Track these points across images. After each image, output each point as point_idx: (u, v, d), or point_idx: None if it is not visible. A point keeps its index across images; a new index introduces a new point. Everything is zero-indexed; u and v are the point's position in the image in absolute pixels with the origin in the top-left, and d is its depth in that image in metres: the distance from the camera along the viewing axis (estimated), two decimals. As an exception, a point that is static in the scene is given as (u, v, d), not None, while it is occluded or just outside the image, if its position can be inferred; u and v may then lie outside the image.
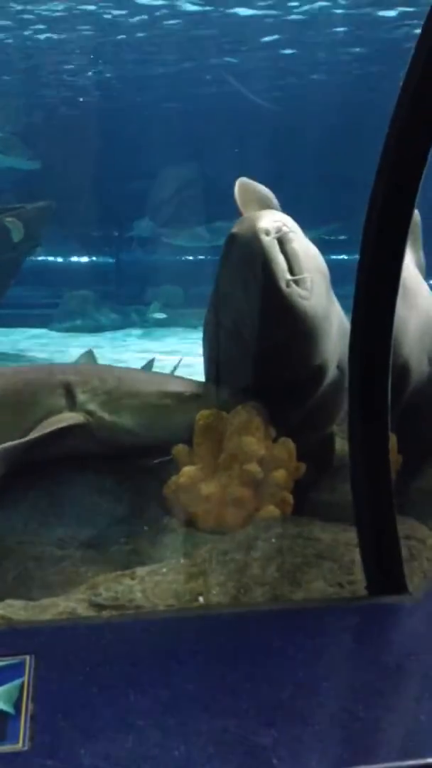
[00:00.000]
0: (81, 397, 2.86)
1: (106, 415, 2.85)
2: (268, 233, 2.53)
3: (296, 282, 2.57)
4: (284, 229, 2.57)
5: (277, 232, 2.55)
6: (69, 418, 2.81)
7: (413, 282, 3.03)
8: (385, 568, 2.10)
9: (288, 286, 2.54)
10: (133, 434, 2.87)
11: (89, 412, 2.85)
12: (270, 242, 2.52)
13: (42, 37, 15.55)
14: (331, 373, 2.91)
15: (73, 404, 2.85)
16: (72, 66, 16.77)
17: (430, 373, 3.12)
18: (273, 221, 2.58)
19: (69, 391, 2.87)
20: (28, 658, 1.72)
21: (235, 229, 2.66)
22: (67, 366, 3.26)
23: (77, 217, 15.25)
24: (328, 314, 2.77)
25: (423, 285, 3.19)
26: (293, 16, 15.05)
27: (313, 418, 3.02)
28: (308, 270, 2.62)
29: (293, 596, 2.23)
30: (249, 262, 2.57)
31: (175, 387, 2.95)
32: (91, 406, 2.85)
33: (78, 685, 1.65)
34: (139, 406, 2.86)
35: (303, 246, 2.66)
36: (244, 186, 3.03)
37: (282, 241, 2.56)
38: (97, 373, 2.99)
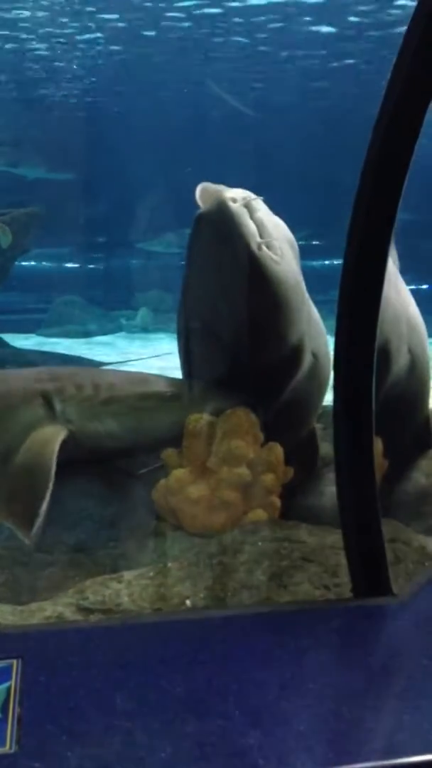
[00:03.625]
0: (60, 406, 2.80)
1: (88, 424, 2.81)
2: (235, 201, 2.60)
3: (267, 247, 2.62)
4: (250, 198, 2.65)
5: (243, 200, 2.62)
6: (53, 434, 2.72)
7: (391, 274, 3.07)
8: (370, 571, 2.12)
9: (259, 248, 2.60)
10: (116, 439, 2.86)
11: (70, 422, 2.79)
12: (238, 208, 2.59)
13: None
14: (307, 358, 2.93)
15: (52, 414, 2.79)
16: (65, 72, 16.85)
17: (409, 361, 3.16)
18: (238, 192, 2.66)
19: (47, 401, 2.80)
20: (15, 661, 1.72)
21: (201, 209, 2.72)
22: (42, 370, 3.05)
23: (66, 222, 15.24)
24: (299, 287, 2.82)
25: (399, 279, 3.24)
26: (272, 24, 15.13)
27: (289, 413, 3.04)
28: (277, 238, 2.68)
29: (279, 599, 2.25)
30: (219, 230, 2.61)
31: (154, 387, 2.92)
32: (72, 416, 2.80)
33: (65, 688, 1.65)
34: (120, 411, 2.83)
35: (269, 215, 2.73)
36: (205, 189, 3.09)
37: (249, 210, 2.63)
38: (73, 379, 2.89)
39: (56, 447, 2.67)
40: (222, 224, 2.59)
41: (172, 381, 3.01)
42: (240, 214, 2.58)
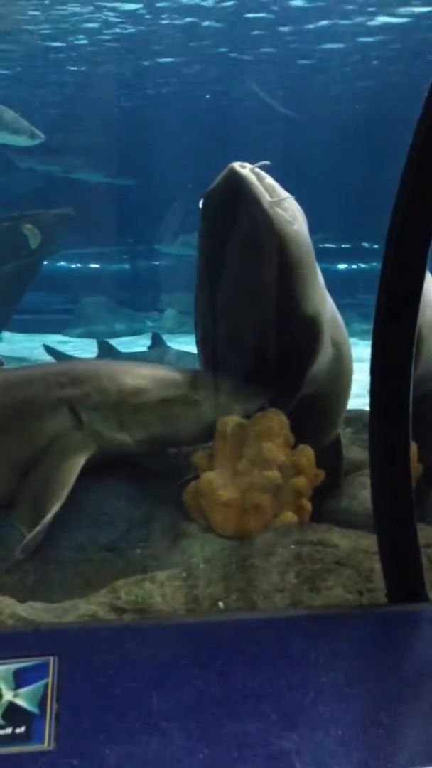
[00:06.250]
0: (86, 416, 2.76)
1: (114, 434, 2.78)
2: (243, 167, 2.64)
3: (278, 206, 2.65)
4: (257, 168, 2.68)
5: (251, 169, 2.65)
6: (79, 451, 2.71)
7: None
8: (404, 576, 2.10)
9: (271, 207, 2.63)
10: (143, 444, 2.86)
11: (96, 433, 2.77)
12: (247, 173, 2.63)
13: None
14: (326, 341, 2.91)
15: (79, 425, 2.76)
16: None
17: None
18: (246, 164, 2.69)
19: (72, 409, 2.76)
20: (51, 659, 1.73)
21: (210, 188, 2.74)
22: (60, 371, 2.94)
23: (94, 224, 15.36)
24: (312, 256, 2.83)
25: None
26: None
27: (314, 411, 3.03)
28: (288, 204, 2.72)
29: (312, 603, 2.24)
30: (229, 195, 2.62)
31: (182, 387, 2.86)
32: (98, 427, 2.76)
33: (101, 686, 1.66)
34: (147, 418, 2.80)
35: (278, 186, 2.74)
36: None
37: (257, 177, 2.66)
38: (97, 383, 2.82)
39: (80, 465, 2.67)
40: (232, 187, 2.61)
41: (199, 376, 2.95)
42: (249, 177, 2.62)
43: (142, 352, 11.36)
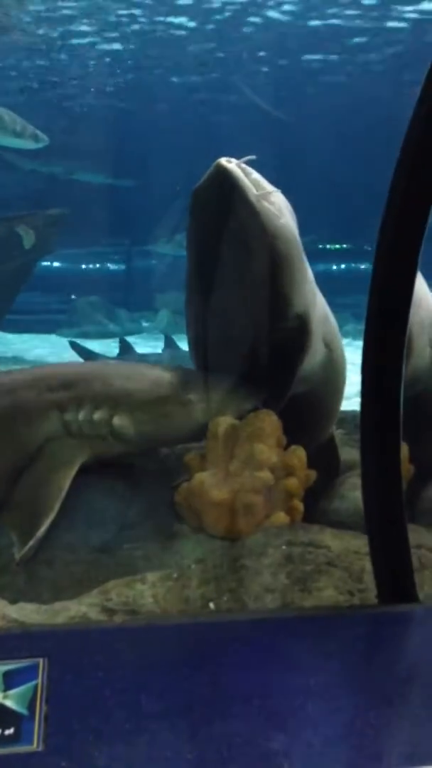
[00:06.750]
0: (77, 419, 2.75)
1: (108, 438, 2.78)
2: (229, 162, 2.64)
3: (265, 200, 2.65)
4: (242, 164, 2.68)
5: (237, 164, 2.65)
6: (72, 457, 2.71)
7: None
8: (395, 577, 2.10)
9: (258, 201, 2.63)
10: (136, 445, 2.85)
11: (87, 437, 2.76)
12: (234, 167, 2.63)
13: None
14: (315, 339, 2.92)
15: (70, 429, 2.76)
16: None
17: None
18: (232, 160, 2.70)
19: (63, 414, 2.76)
20: (41, 660, 1.73)
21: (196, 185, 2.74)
22: (49, 374, 2.92)
23: (91, 224, 15.36)
24: (300, 251, 2.83)
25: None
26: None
27: (308, 410, 3.03)
28: (275, 199, 2.72)
29: (303, 603, 2.24)
30: (216, 190, 2.62)
31: (173, 390, 2.84)
32: (89, 430, 2.76)
33: (91, 688, 1.66)
34: (139, 419, 2.79)
35: (263, 180, 2.74)
36: None
37: (244, 171, 2.66)
38: (87, 386, 2.80)
39: (72, 474, 2.66)
40: (219, 182, 2.61)
41: (191, 376, 2.94)
42: (235, 171, 2.62)
43: (155, 354, 11.40)
